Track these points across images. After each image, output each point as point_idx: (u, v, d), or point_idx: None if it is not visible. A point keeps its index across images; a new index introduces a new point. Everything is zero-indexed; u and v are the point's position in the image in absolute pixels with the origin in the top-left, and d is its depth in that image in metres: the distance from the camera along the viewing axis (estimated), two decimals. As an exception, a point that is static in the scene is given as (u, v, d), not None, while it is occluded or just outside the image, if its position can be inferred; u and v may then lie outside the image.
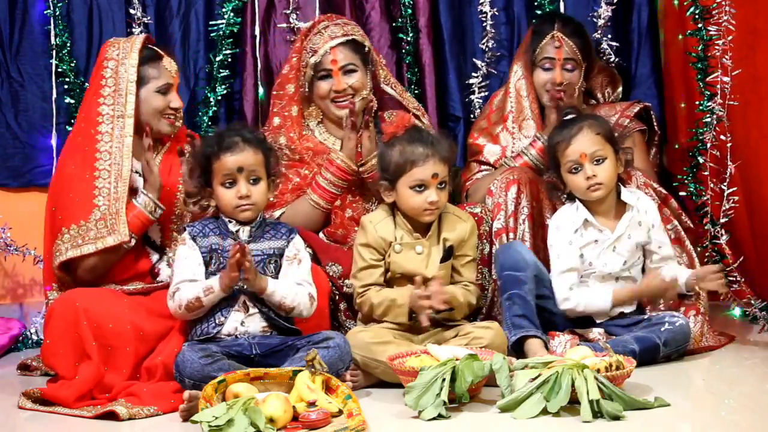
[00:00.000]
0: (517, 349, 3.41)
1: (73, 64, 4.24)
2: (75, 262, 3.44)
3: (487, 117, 4.15)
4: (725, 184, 3.94)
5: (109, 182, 3.46)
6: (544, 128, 3.96)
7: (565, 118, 3.65)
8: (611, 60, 4.37)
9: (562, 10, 4.40)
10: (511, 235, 3.71)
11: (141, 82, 3.54)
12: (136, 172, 3.56)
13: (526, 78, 4.03)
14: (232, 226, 3.31)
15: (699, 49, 4.02)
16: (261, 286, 3.20)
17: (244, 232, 3.30)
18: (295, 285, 3.26)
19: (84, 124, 3.55)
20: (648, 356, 3.38)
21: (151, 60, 3.56)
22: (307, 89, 3.86)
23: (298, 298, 3.24)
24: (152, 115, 3.56)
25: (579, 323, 3.57)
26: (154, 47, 3.61)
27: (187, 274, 3.24)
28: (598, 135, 3.54)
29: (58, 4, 4.24)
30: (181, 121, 3.63)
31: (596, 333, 3.54)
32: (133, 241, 3.47)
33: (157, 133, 3.58)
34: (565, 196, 3.63)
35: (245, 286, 3.21)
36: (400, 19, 4.38)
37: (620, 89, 4.22)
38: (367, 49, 3.89)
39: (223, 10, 4.31)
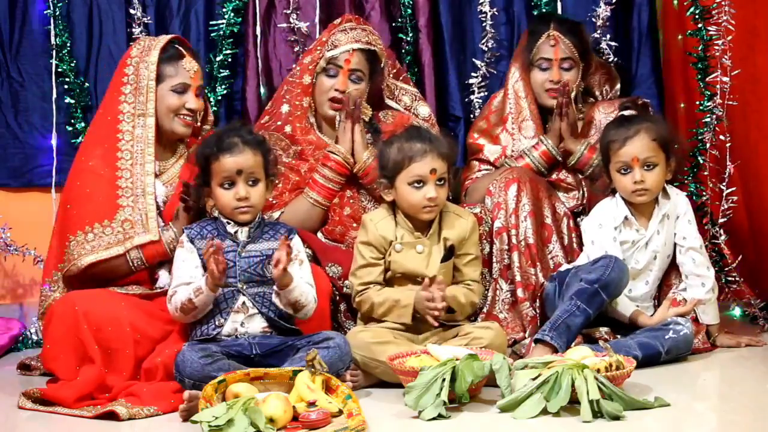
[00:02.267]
0: (536, 341, 3.42)
1: (73, 64, 4.23)
2: (90, 265, 3.42)
3: (486, 118, 4.15)
4: (725, 184, 3.95)
5: (131, 182, 3.46)
6: (547, 131, 3.96)
7: (624, 113, 3.67)
8: (611, 60, 4.36)
9: (560, 10, 4.39)
10: (513, 231, 3.71)
11: (159, 80, 3.53)
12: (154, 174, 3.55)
13: (523, 79, 4.04)
14: (231, 228, 3.30)
15: (699, 49, 4.03)
16: (287, 281, 3.18)
17: (243, 233, 3.30)
18: (306, 284, 3.26)
19: (104, 121, 3.55)
20: (648, 362, 3.38)
21: (170, 58, 3.55)
22: (315, 80, 3.88)
23: (309, 298, 3.25)
24: (166, 114, 3.54)
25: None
26: (179, 46, 3.60)
27: (184, 277, 3.24)
28: (654, 141, 3.56)
29: (58, 4, 4.23)
30: (197, 122, 3.61)
31: (603, 332, 3.55)
32: (143, 266, 3.46)
33: (171, 134, 3.58)
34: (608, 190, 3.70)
35: (272, 277, 3.17)
36: (399, 19, 4.37)
37: (618, 86, 4.22)
38: (382, 64, 3.91)
39: (224, 10, 4.31)
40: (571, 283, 3.50)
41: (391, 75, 4.03)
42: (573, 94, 3.96)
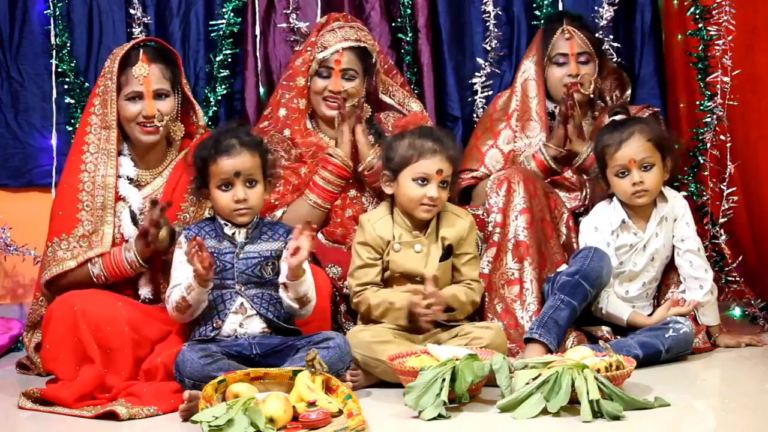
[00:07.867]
0: (526, 340, 3.43)
1: (73, 64, 4.23)
2: (54, 279, 3.43)
3: (489, 117, 4.14)
4: (725, 184, 3.95)
5: (92, 194, 3.45)
6: (549, 137, 3.93)
7: (614, 118, 3.67)
8: (613, 60, 4.36)
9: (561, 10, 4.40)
10: (498, 230, 3.69)
11: (119, 90, 3.48)
12: (128, 177, 3.52)
13: (536, 78, 4.02)
14: (228, 229, 3.29)
15: (699, 49, 4.03)
16: (302, 271, 3.16)
17: (241, 234, 3.29)
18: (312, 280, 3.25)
19: (77, 134, 3.57)
20: (649, 361, 3.39)
21: (125, 66, 3.48)
22: (309, 83, 3.88)
23: (315, 293, 3.24)
24: (126, 124, 3.50)
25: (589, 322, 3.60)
26: (142, 49, 3.50)
27: (180, 278, 3.22)
28: (649, 141, 3.56)
29: (58, 4, 4.23)
30: (162, 126, 3.48)
31: (604, 331, 3.56)
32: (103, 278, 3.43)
33: (139, 142, 3.51)
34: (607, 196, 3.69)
35: (290, 267, 3.14)
36: (399, 19, 4.37)
37: (629, 92, 4.21)
38: (373, 59, 3.91)
39: (223, 10, 4.30)
40: (556, 281, 3.52)
41: (382, 71, 4.03)
42: (591, 88, 3.97)
